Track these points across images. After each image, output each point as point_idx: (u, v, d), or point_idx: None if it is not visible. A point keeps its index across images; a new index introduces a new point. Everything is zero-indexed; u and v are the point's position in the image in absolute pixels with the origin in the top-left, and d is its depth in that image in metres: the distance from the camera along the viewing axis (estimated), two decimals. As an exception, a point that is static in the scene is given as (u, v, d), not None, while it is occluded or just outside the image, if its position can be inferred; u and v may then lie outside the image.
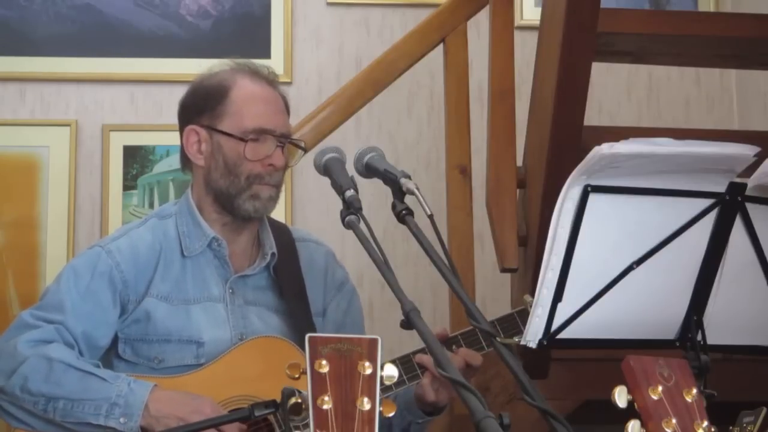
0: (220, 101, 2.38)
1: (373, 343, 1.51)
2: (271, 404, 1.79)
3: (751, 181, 1.76)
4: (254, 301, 2.41)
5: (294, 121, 2.49)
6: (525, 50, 3.47)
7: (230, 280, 2.40)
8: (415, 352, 2.31)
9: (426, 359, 2.28)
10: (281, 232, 2.49)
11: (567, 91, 2.73)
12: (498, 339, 1.81)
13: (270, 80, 2.43)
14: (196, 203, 2.43)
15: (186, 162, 2.46)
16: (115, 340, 2.35)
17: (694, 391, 1.58)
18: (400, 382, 2.28)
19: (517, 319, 2.38)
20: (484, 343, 2.33)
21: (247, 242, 2.45)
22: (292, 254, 2.47)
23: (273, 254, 2.43)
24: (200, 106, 2.41)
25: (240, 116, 2.36)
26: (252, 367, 2.29)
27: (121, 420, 2.17)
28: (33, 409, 2.20)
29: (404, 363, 2.30)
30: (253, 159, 2.35)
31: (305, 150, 2.58)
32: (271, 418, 2.24)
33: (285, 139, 2.39)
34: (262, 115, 2.37)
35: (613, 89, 4.05)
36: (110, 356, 2.35)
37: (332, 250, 2.58)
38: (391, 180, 2.05)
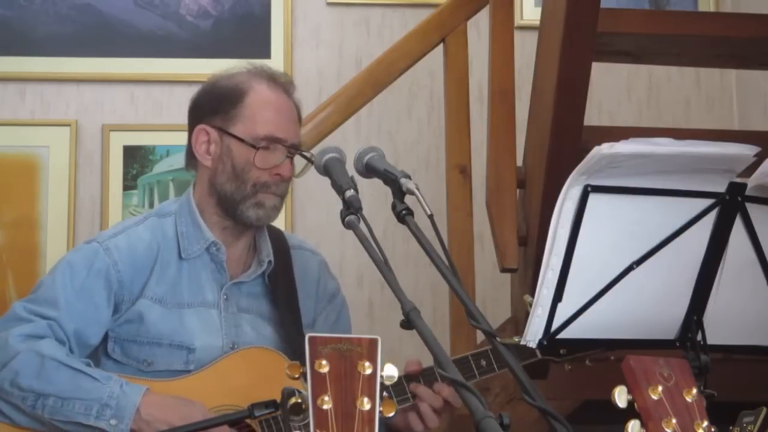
0: (235, 104, 2.36)
1: (373, 343, 1.51)
2: (271, 404, 1.79)
3: (751, 181, 1.76)
4: (247, 309, 2.40)
5: (294, 121, 2.49)
6: (525, 50, 3.47)
7: (225, 287, 2.39)
8: (407, 376, 2.25)
9: (422, 390, 2.22)
10: (277, 239, 2.48)
11: (567, 91, 2.73)
12: (498, 339, 1.81)
13: (286, 88, 2.41)
14: (197, 203, 2.41)
15: (191, 160, 2.43)
16: (105, 338, 2.33)
17: (694, 391, 1.58)
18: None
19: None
20: (495, 365, 2.30)
21: (244, 247, 2.43)
22: (286, 262, 2.46)
23: (269, 262, 2.42)
24: (214, 106, 2.39)
25: (253, 122, 2.34)
26: (241, 377, 2.27)
27: (112, 422, 2.15)
28: (21, 404, 2.19)
29: (395, 386, 2.24)
30: (262, 167, 2.33)
31: (314, 163, 2.58)
32: (255, 423, 2.22)
33: (295, 150, 2.37)
34: (276, 123, 2.35)
35: (613, 89, 4.05)
36: (98, 354, 2.34)
37: (326, 260, 2.57)
38: (391, 180, 2.05)
